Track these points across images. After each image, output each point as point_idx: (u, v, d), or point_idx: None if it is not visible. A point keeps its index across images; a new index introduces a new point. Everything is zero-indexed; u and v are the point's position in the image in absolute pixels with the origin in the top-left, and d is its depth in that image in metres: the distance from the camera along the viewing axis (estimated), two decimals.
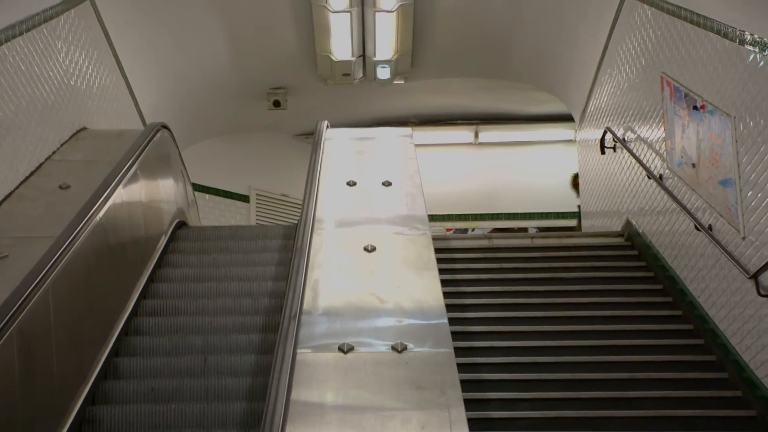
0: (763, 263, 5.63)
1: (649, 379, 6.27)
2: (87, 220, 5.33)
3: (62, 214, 5.44)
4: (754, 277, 5.72)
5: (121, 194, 6.15)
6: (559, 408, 5.90)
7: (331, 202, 6.94)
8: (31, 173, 6.51)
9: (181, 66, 10.99)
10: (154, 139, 7.49)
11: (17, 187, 6.24)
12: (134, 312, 6.13)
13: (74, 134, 7.54)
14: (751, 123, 5.92)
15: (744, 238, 6.02)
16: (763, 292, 5.67)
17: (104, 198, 5.75)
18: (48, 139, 6.98)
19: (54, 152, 7.01)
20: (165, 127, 8.08)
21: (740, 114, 6.08)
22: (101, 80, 8.51)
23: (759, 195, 5.79)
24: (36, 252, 4.74)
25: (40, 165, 6.70)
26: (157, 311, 6.25)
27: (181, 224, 8.15)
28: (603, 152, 9.56)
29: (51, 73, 7.12)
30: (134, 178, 6.61)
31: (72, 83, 7.65)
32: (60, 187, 6.31)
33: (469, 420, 4.03)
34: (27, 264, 4.57)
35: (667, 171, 7.65)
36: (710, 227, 6.60)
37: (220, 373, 5.40)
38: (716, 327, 6.47)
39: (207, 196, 12.99)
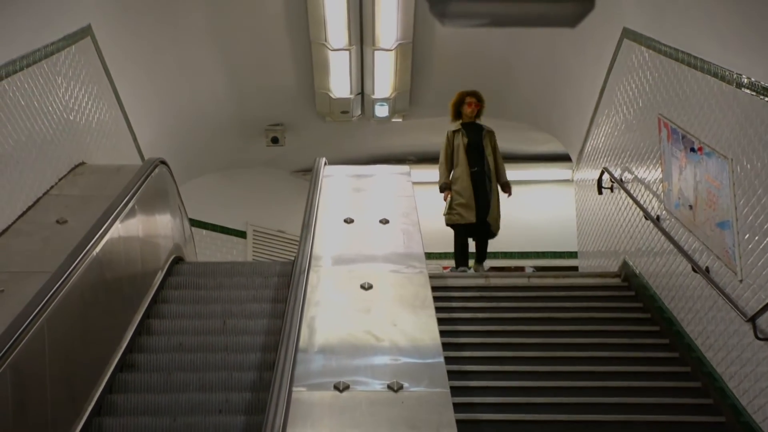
0: (760, 306, 5.62)
1: (645, 422, 6.24)
2: (83, 256, 5.32)
3: (59, 249, 5.43)
4: (752, 320, 5.71)
5: (118, 229, 6.14)
6: None
7: (328, 239, 6.95)
8: (29, 208, 6.51)
9: (180, 102, 11.03)
10: (152, 174, 7.50)
11: (14, 222, 6.24)
12: (129, 348, 6.10)
13: (72, 169, 7.55)
14: (748, 166, 5.94)
15: (741, 281, 6.02)
16: (760, 336, 5.66)
17: (101, 233, 5.74)
18: (46, 173, 6.98)
19: (52, 187, 7.01)
20: (163, 162, 8.09)
21: (737, 157, 6.10)
22: (100, 115, 8.54)
23: (756, 238, 5.80)
24: (31, 287, 4.72)
25: (38, 199, 6.70)
26: (151, 348, 6.22)
27: (178, 260, 8.14)
28: (600, 192, 9.58)
29: (50, 108, 7.14)
30: (131, 214, 6.60)
31: (71, 118, 7.67)
32: (57, 221, 6.31)
33: None
34: (22, 299, 4.56)
35: (664, 212, 7.66)
36: (707, 269, 6.60)
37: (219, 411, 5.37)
38: (713, 370, 6.45)
39: (204, 231, 12.98)
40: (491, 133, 9.72)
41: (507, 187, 9.70)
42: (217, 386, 5.64)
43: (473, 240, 9.67)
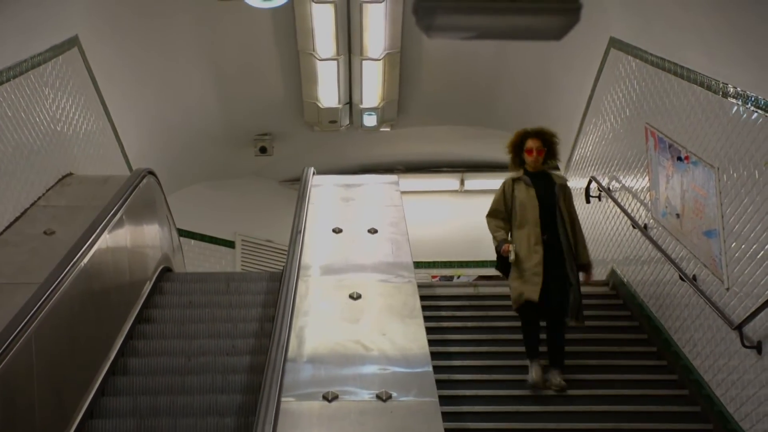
0: (747, 314, 5.65)
1: (633, 429, 6.25)
2: (71, 267, 5.31)
3: (46, 260, 5.42)
4: (739, 327, 5.74)
5: (106, 240, 6.13)
6: None
7: (317, 249, 6.95)
8: (16, 219, 6.49)
9: (167, 112, 11.02)
10: (140, 184, 7.49)
11: (2, 233, 6.22)
12: (117, 358, 6.08)
13: (60, 179, 7.53)
14: (735, 174, 5.97)
15: (728, 289, 6.04)
16: (747, 343, 5.68)
17: (89, 244, 5.72)
18: (34, 184, 6.97)
19: (39, 197, 7.00)
20: (151, 172, 8.08)
21: (723, 165, 6.14)
22: (88, 126, 8.53)
23: (743, 246, 5.83)
24: (19, 298, 4.71)
25: (25, 210, 6.69)
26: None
27: (166, 270, 8.13)
28: (588, 201, 9.60)
29: (38, 119, 7.13)
30: (119, 224, 6.59)
31: (59, 129, 7.66)
32: (45, 232, 6.29)
33: None
34: (9, 311, 4.54)
35: (651, 221, 7.69)
36: (694, 278, 6.62)
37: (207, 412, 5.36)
38: (701, 377, 6.47)
39: (192, 241, 12.95)
40: (565, 187, 7.14)
41: (588, 270, 7.10)
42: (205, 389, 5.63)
43: (546, 325, 6.95)
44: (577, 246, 6.93)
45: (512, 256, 6.81)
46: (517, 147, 7.14)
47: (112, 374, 5.87)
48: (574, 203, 7.22)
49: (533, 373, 6.68)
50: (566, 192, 7.07)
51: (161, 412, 5.45)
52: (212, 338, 6.47)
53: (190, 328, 6.67)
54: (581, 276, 6.96)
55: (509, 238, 6.99)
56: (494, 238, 7.02)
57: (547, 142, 7.10)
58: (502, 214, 7.04)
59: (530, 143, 7.06)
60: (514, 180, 7.09)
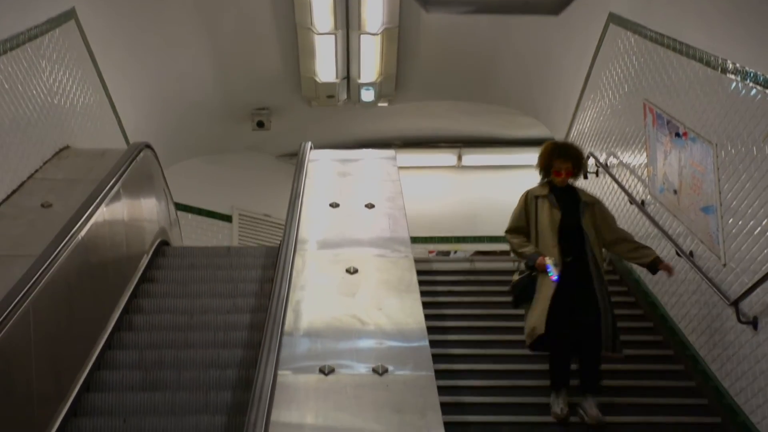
0: (743, 290, 5.66)
1: (628, 404, 6.28)
2: (68, 239, 5.31)
3: (43, 233, 5.41)
4: (735, 303, 5.76)
5: (103, 213, 6.13)
6: None
7: (314, 224, 6.95)
8: (13, 191, 6.48)
9: (165, 85, 10.99)
10: (138, 158, 7.48)
11: None
12: (114, 331, 6.10)
13: (57, 153, 7.51)
14: (733, 150, 5.96)
15: (725, 265, 6.05)
16: (743, 319, 5.70)
17: (86, 217, 5.72)
18: (30, 157, 6.95)
19: (36, 170, 6.98)
20: (148, 146, 8.07)
21: (722, 141, 6.13)
22: (85, 99, 8.50)
23: (740, 222, 5.83)
24: (17, 271, 4.71)
25: (22, 183, 6.67)
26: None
27: (164, 243, 8.13)
28: (585, 177, 9.59)
29: (34, 92, 7.10)
30: (117, 197, 6.59)
31: (55, 102, 7.63)
32: (42, 205, 6.28)
33: None
34: (7, 283, 4.54)
35: (648, 197, 7.69)
36: (691, 253, 6.63)
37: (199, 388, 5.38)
38: (696, 353, 6.49)
39: (190, 215, 12.94)
40: (595, 205, 6.50)
41: (661, 264, 6.29)
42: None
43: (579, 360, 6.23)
44: (633, 252, 6.35)
45: (554, 272, 5.99)
46: (546, 163, 6.52)
47: (108, 348, 5.88)
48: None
49: (557, 407, 5.98)
50: (593, 209, 6.38)
51: (166, 365, 5.63)
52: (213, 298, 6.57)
53: (190, 299, 6.70)
54: (666, 272, 6.33)
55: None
56: (521, 254, 6.27)
57: (578, 165, 6.52)
58: (524, 230, 6.37)
59: (559, 164, 6.43)
60: (538, 197, 6.40)
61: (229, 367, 5.63)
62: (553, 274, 5.97)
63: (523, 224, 6.37)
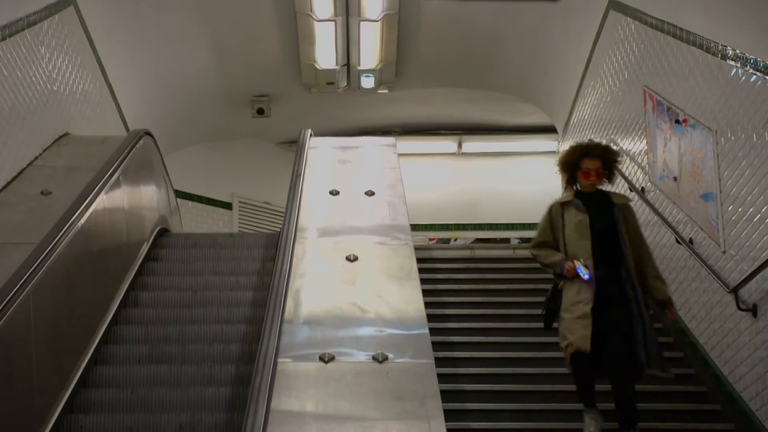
0: (742, 277, 5.66)
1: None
2: (68, 227, 5.31)
3: (43, 220, 5.41)
4: (734, 291, 5.76)
5: (103, 201, 6.12)
6: (540, 419, 5.91)
7: (313, 211, 6.95)
8: (13, 179, 6.48)
9: (165, 73, 10.97)
10: (137, 145, 7.47)
11: None
12: (114, 320, 6.10)
13: (57, 140, 7.50)
14: (732, 137, 5.96)
15: (724, 252, 6.06)
16: (742, 306, 5.71)
17: (86, 204, 5.72)
18: (30, 144, 6.94)
19: (36, 158, 6.98)
20: (148, 133, 8.06)
21: (722, 128, 6.12)
22: (84, 86, 8.48)
23: (739, 209, 5.83)
24: (16, 259, 4.71)
25: (22, 170, 6.67)
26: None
27: (164, 231, 8.13)
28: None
29: (34, 79, 7.09)
30: (116, 185, 6.58)
31: (55, 89, 7.62)
32: (42, 193, 6.28)
33: (449, 430, 4.04)
34: (7, 271, 4.54)
35: (648, 184, 7.69)
36: (691, 240, 6.63)
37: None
38: (696, 340, 6.50)
39: (190, 203, 12.94)
40: (627, 207, 5.81)
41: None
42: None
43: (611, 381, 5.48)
44: (646, 279, 5.58)
45: (585, 272, 5.41)
46: (572, 165, 5.76)
47: (105, 343, 5.89)
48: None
49: (590, 427, 5.36)
50: (628, 214, 5.72)
51: (171, 340, 5.82)
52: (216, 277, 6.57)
53: (192, 279, 6.73)
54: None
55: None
56: (549, 265, 5.67)
57: (609, 163, 5.79)
58: (551, 244, 5.72)
59: (588, 164, 5.69)
60: (563, 204, 5.72)
61: (232, 342, 5.75)
62: (585, 273, 5.41)
63: (549, 239, 5.73)
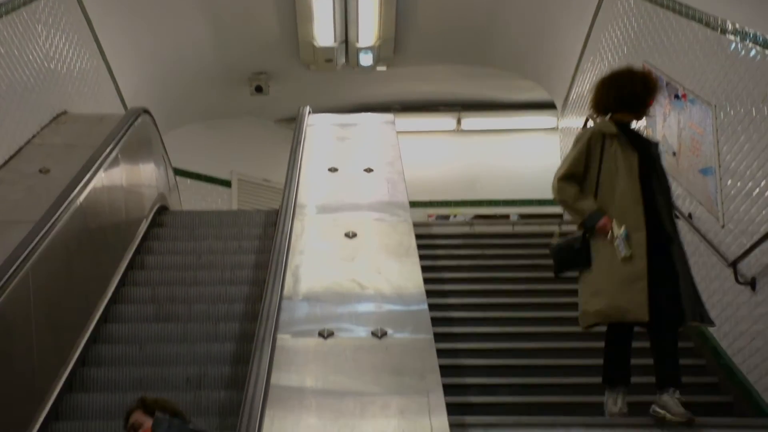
0: (741, 251, 5.67)
1: None
2: (67, 205, 5.31)
3: (42, 199, 5.42)
4: (733, 265, 5.77)
5: (101, 178, 6.13)
6: (538, 394, 5.92)
7: (312, 188, 6.94)
8: (11, 157, 6.47)
9: (162, 50, 10.94)
10: (135, 123, 7.47)
11: None
12: (114, 298, 6.11)
13: (55, 118, 7.49)
14: (732, 112, 5.95)
15: (723, 227, 6.06)
16: (741, 280, 5.72)
17: (85, 182, 5.72)
18: (28, 122, 6.93)
19: (34, 136, 6.97)
20: (146, 111, 8.05)
21: (721, 103, 6.11)
22: (82, 64, 8.46)
23: (738, 184, 5.83)
24: (16, 237, 4.72)
25: (20, 149, 6.66)
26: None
27: (163, 209, 8.13)
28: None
29: (31, 57, 7.07)
30: (115, 163, 6.58)
31: (52, 67, 7.60)
32: (40, 171, 6.28)
33: (448, 405, 4.05)
34: (6, 249, 4.55)
35: None
36: (690, 215, 6.63)
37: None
38: None
39: (189, 180, 12.94)
40: (656, 145, 5.12)
41: None
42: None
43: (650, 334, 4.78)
44: None
45: (625, 251, 4.58)
46: (641, 94, 4.87)
47: (104, 322, 5.90)
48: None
49: (613, 403, 4.70)
50: (659, 155, 5.03)
51: (177, 300, 6.12)
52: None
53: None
54: None
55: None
56: (577, 210, 4.76)
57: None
58: (580, 178, 4.83)
59: (653, 96, 4.92)
60: (606, 135, 4.79)
61: (236, 302, 6.01)
62: (624, 250, 4.58)
63: (581, 171, 4.80)
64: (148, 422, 3.99)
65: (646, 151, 4.86)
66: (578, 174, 4.81)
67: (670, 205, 4.85)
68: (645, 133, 4.99)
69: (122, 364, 5.42)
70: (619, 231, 4.61)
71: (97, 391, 5.11)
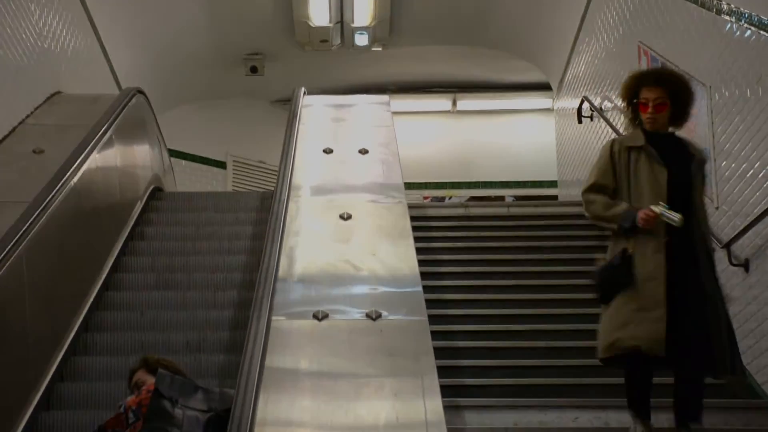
0: (735, 233, 5.68)
1: None
2: (61, 186, 5.30)
3: (36, 179, 5.40)
4: (727, 246, 5.77)
5: (95, 159, 6.11)
6: (533, 376, 5.94)
7: (307, 170, 6.92)
8: (4, 137, 6.45)
9: (157, 30, 10.89)
10: (130, 104, 7.44)
11: None
12: (107, 281, 6.11)
13: (48, 98, 7.46)
14: (726, 93, 5.94)
15: (717, 208, 6.06)
16: (734, 262, 5.73)
17: (79, 163, 5.71)
18: (21, 102, 6.91)
19: (28, 116, 6.94)
20: (141, 92, 8.02)
21: (716, 84, 6.10)
22: (76, 43, 8.42)
23: (732, 165, 5.83)
24: (8, 217, 4.71)
25: (14, 129, 6.64)
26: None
27: (157, 190, 8.12)
28: (580, 121, 9.58)
29: (24, 36, 7.03)
30: (109, 144, 6.57)
31: (45, 46, 7.56)
32: (34, 151, 6.26)
33: (442, 387, 4.05)
34: (1, 228, 4.55)
35: None
36: None
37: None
38: None
39: (183, 162, 12.92)
40: (702, 163, 4.59)
41: None
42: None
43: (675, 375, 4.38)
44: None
45: (674, 216, 4.14)
46: (631, 95, 4.55)
47: (107, 287, 5.91)
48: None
49: (633, 430, 4.31)
50: (703, 172, 4.55)
51: (177, 269, 6.33)
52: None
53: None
54: None
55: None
56: (611, 217, 4.37)
57: (676, 93, 4.49)
58: (610, 191, 4.45)
59: (646, 93, 4.45)
60: (631, 148, 4.45)
61: (234, 271, 6.20)
62: (673, 214, 4.13)
63: (610, 182, 4.44)
64: (150, 380, 4.10)
65: (681, 166, 4.40)
66: (607, 186, 4.45)
67: (705, 240, 4.37)
68: (689, 143, 4.56)
69: (124, 329, 5.62)
70: (658, 208, 4.19)
71: (100, 354, 5.34)
